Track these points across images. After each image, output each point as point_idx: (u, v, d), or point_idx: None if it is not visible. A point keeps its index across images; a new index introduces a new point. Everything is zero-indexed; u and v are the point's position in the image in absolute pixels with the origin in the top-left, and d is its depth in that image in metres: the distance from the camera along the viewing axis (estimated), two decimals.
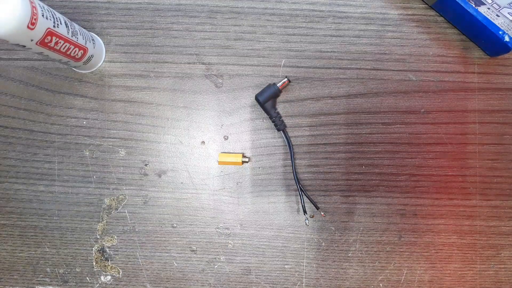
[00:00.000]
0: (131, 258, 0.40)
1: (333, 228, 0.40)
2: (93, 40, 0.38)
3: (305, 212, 0.38)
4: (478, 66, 0.40)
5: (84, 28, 0.40)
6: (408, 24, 0.40)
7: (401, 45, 0.40)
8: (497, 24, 0.36)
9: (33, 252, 0.40)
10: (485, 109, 0.40)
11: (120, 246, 0.40)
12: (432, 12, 0.40)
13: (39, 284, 0.40)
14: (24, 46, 0.29)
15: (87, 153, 0.40)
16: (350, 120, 0.40)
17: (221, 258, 0.40)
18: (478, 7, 0.37)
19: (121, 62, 0.40)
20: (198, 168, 0.40)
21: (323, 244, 0.40)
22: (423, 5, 0.40)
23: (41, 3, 0.30)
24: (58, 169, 0.40)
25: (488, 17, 0.36)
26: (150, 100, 0.40)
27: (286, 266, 0.40)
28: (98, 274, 0.40)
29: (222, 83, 0.40)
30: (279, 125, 0.39)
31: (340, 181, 0.40)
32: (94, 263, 0.40)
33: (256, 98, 0.39)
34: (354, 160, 0.40)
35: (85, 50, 0.36)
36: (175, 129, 0.40)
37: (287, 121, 0.40)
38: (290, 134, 0.40)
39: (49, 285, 0.40)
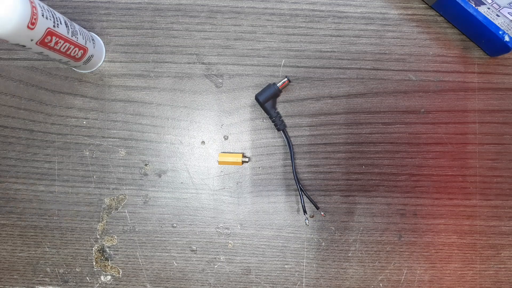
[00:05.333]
0: (131, 258, 0.40)
1: (333, 228, 0.40)
2: (93, 40, 0.38)
3: (305, 212, 0.38)
4: (478, 66, 0.40)
5: (84, 28, 0.40)
6: (408, 24, 0.40)
7: (401, 45, 0.40)
8: (497, 24, 0.36)
9: (33, 252, 0.40)
10: (485, 109, 0.40)
11: (120, 246, 0.40)
12: (432, 12, 0.40)
13: (39, 284, 0.40)
14: (24, 46, 0.29)
15: (87, 153, 0.40)
16: (350, 120, 0.40)
17: (221, 258, 0.40)
18: (478, 7, 0.37)
19: (121, 62, 0.40)
20: (198, 168, 0.40)
21: (323, 244, 0.40)
22: (423, 5, 0.40)
23: (41, 3, 0.29)
24: (58, 169, 0.40)
25: (488, 17, 0.36)
26: (150, 100, 0.40)
27: (286, 266, 0.40)
28: (98, 274, 0.40)
29: (222, 83, 0.40)
30: (279, 125, 0.39)
31: (340, 181, 0.40)
32: (94, 263, 0.40)
33: (256, 98, 0.39)
34: (354, 160, 0.40)
35: (85, 50, 0.36)
36: (175, 129, 0.40)
37: (287, 121, 0.40)
38: (290, 134, 0.40)
39: (49, 285, 0.40)
